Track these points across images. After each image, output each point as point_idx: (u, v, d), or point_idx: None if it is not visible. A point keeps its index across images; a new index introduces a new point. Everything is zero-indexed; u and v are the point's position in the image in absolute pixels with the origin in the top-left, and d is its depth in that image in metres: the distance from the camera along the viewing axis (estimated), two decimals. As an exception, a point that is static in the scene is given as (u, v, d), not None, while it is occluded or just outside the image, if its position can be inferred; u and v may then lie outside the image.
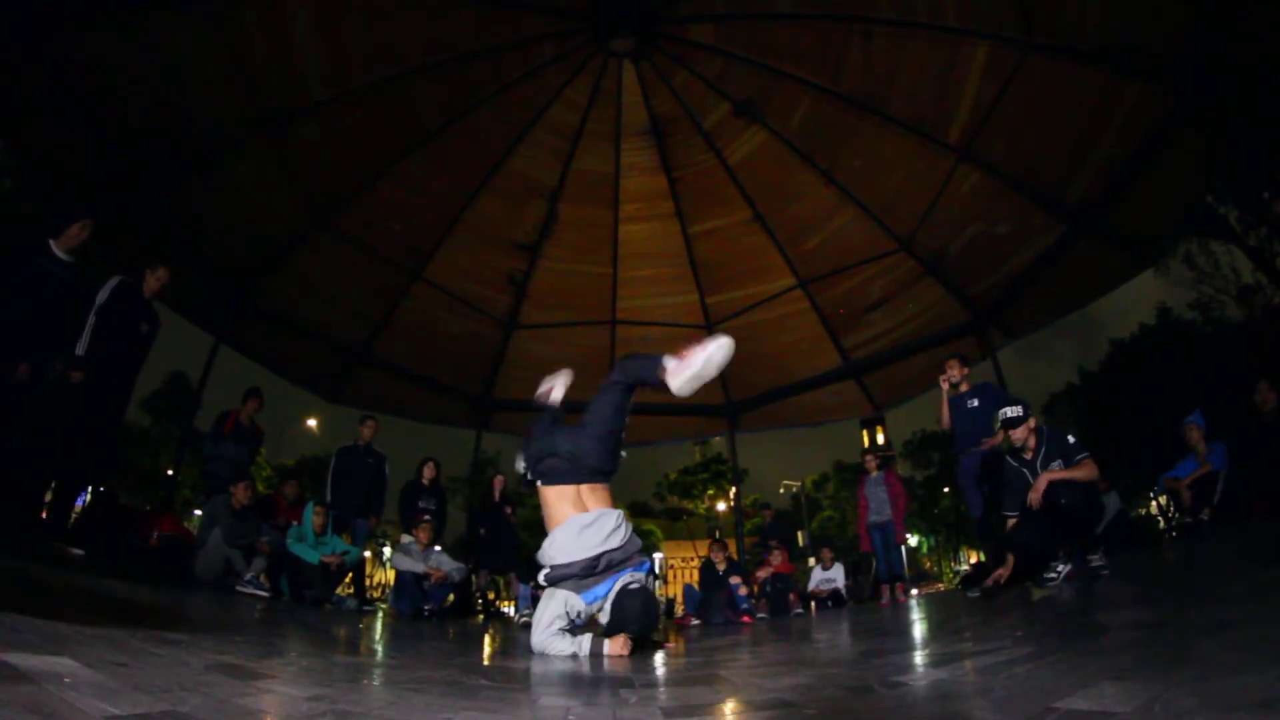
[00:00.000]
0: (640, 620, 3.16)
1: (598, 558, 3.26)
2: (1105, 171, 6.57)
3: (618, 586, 3.24)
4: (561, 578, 3.29)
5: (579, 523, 3.34)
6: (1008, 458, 5.26)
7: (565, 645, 3.13)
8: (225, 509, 6.32)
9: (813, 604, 9.43)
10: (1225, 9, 5.05)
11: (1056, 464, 4.89)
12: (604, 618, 3.23)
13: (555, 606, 3.25)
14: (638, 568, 3.34)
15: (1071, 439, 4.97)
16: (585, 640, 3.11)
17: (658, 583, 3.38)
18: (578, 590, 3.27)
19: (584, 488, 3.46)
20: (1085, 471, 4.76)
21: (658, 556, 21.75)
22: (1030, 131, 6.76)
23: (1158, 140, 6.09)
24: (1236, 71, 5.37)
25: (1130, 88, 5.94)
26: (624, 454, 3.72)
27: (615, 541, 3.32)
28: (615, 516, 3.41)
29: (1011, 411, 5.10)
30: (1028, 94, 6.41)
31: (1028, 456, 5.05)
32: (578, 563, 3.27)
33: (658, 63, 7.73)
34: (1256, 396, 6.50)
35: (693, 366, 3.29)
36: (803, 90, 7.51)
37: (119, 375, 5.43)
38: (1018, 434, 5.06)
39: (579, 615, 3.27)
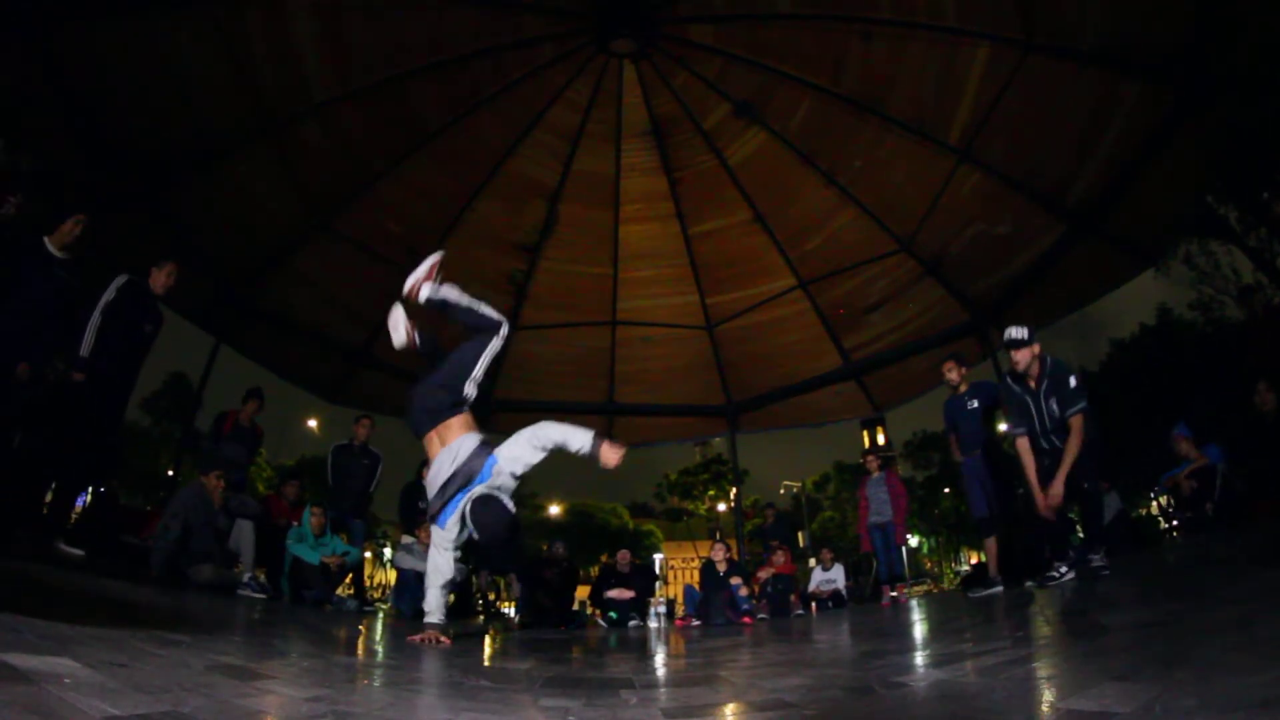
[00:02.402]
0: (497, 527, 3.29)
1: (445, 485, 3.49)
2: (1105, 172, 6.56)
3: (464, 503, 3.39)
4: (431, 516, 3.57)
5: (439, 460, 3.60)
6: (1009, 381, 5.19)
7: (435, 600, 3.61)
8: (198, 501, 6.12)
9: (813, 605, 9.43)
10: (1225, 8, 5.05)
11: (1054, 401, 4.89)
12: (475, 535, 3.39)
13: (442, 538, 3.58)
14: (479, 480, 3.44)
15: (1073, 381, 4.91)
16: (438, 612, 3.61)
17: (508, 500, 3.54)
18: (437, 522, 3.54)
19: (436, 431, 3.70)
20: (1076, 439, 4.75)
21: (657, 557, 21.73)
22: (1030, 132, 6.75)
23: (1158, 140, 6.08)
24: (1236, 71, 5.36)
25: (1130, 88, 5.94)
26: (472, 387, 3.88)
27: (453, 469, 3.50)
28: (465, 440, 3.61)
29: (1016, 333, 5.04)
30: (1028, 94, 6.41)
31: (1031, 385, 5.01)
32: (434, 498, 3.54)
33: (658, 63, 7.73)
34: (1256, 397, 6.51)
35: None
36: (803, 91, 7.51)
37: (120, 375, 5.41)
38: (1021, 356, 5.00)
39: (451, 544, 3.54)
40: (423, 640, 3.38)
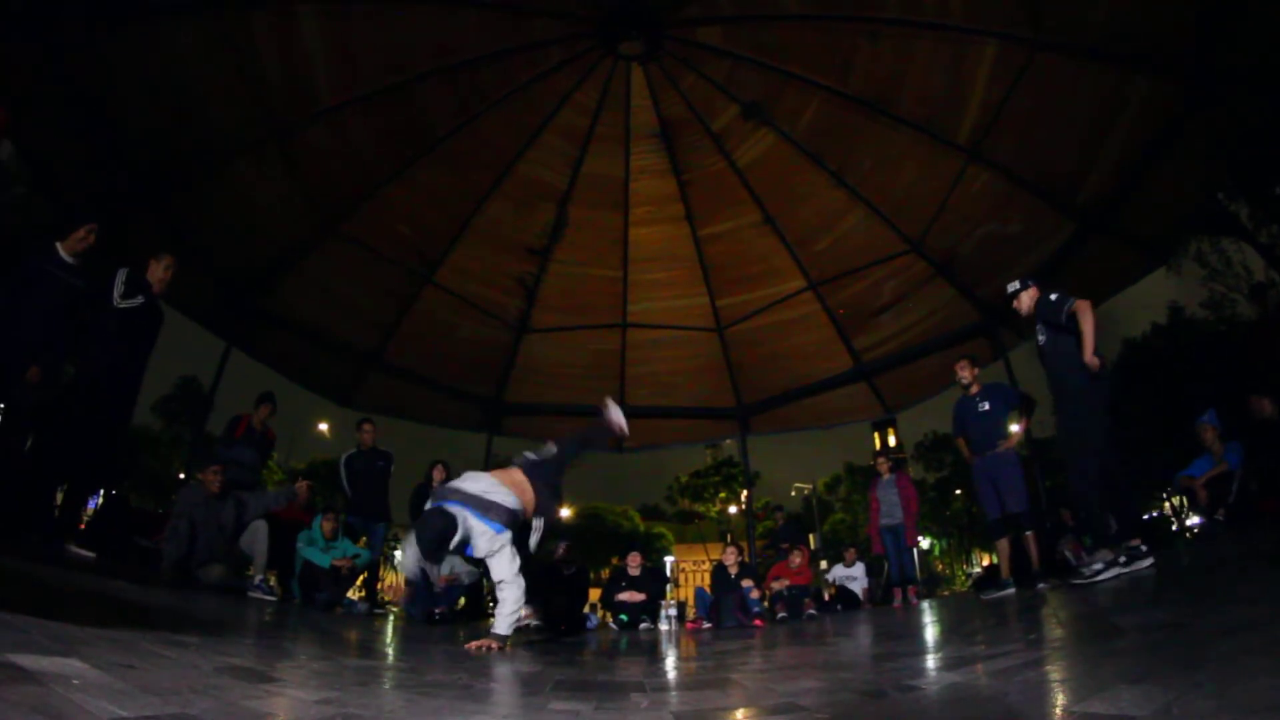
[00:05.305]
0: (425, 530, 3.75)
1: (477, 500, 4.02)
2: (1115, 169, 6.51)
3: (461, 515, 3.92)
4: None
5: (490, 482, 4.24)
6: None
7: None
8: (200, 497, 6.19)
9: (825, 595, 9.41)
10: (1233, 3, 5.00)
11: (1038, 327, 4.99)
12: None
13: None
14: (462, 504, 3.92)
15: (1053, 296, 4.90)
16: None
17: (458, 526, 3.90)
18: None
19: (510, 471, 4.46)
20: (1085, 317, 4.61)
21: (668, 560, 21.69)
22: (1039, 130, 6.71)
23: (1168, 137, 6.04)
24: (1246, 66, 5.32)
25: (1139, 84, 5.90)
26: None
27: (481, 497, 4.04)
28: (499, 492, 4.14)
29: (1010, 286, 5.29)
30: (1036, 92, 6.36)
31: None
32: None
33: (666, 65, 7.72)
34: (1253, 407, 6.42)
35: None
36: (811, 91, 7.48)
37: (126, 373, 5.42)
38: (1023, 301, 5.22)
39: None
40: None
